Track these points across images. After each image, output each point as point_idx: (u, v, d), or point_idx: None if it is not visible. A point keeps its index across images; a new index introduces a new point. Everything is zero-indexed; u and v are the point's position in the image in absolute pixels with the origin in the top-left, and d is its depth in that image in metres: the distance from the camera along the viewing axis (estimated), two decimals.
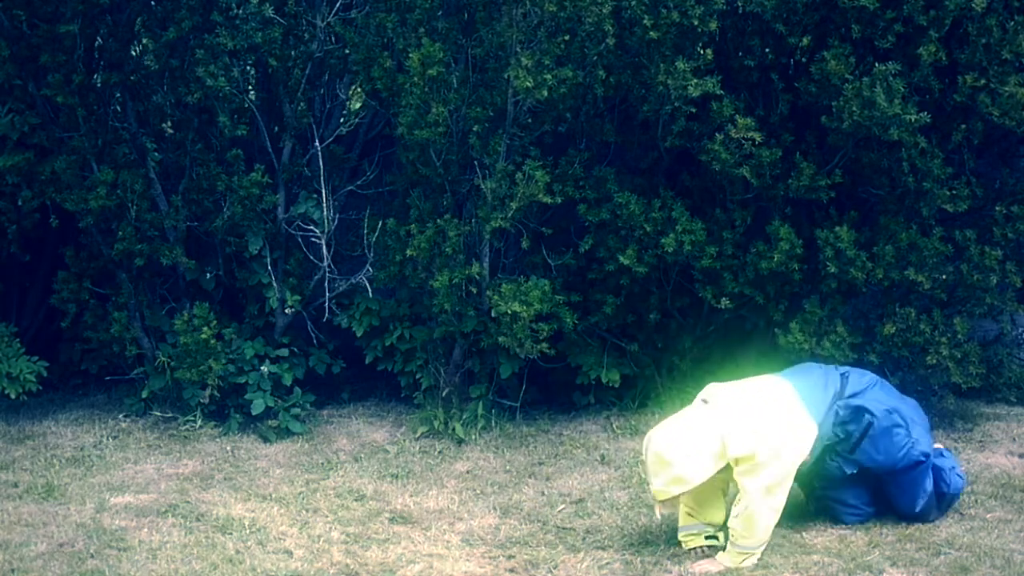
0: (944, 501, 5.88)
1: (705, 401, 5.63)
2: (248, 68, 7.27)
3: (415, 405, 7.41)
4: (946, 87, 6.62)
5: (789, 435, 5.53)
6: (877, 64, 6.38)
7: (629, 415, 7.30)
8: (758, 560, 5.57)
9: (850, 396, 5.71)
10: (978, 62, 6.49)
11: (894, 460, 5.71)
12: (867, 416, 5.67)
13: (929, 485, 5.78)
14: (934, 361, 6.77)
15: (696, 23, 6.49)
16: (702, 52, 6.68)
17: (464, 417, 7.18)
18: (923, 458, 5.71)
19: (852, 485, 5.83)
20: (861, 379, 5.81)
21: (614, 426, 7.21)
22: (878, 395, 5.75)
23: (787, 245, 6.70)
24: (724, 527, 5.68)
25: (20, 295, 7.86)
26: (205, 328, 7.07)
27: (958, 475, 5.92)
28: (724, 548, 5.61)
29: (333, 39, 7.18)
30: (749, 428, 5.46)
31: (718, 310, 7.00)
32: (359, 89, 7.49)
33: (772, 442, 5.46)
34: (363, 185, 7.40)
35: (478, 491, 6.46)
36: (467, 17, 6.83)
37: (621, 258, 6.85)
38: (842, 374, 5.80)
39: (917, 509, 5.81)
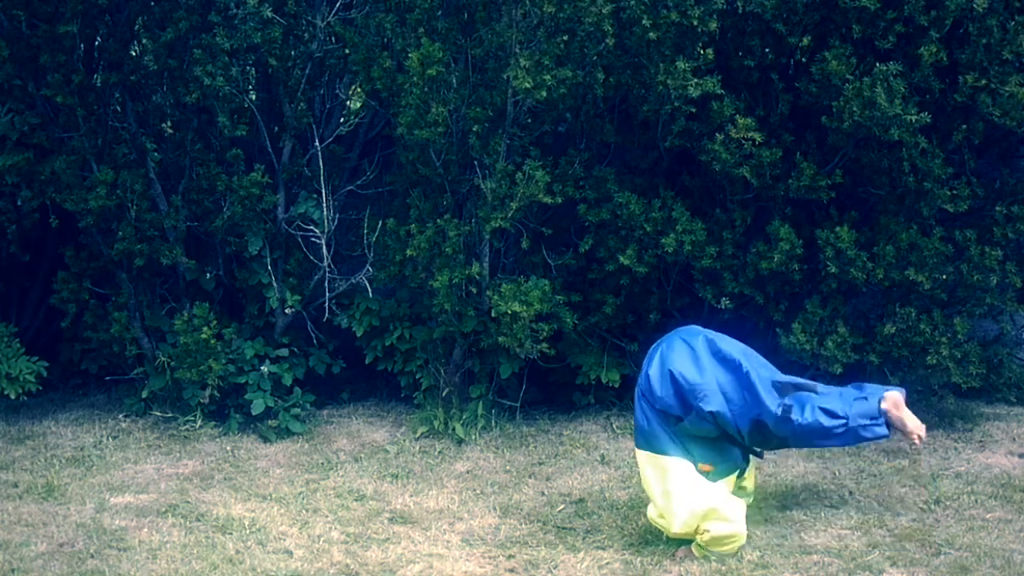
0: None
1: None
2: (248, 68, 7.26)
3: (415, 405, 7.41)
4: (947, 87, 6.61)
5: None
6: (878, 64, 6.38)
7: (629, 415, 7.29)
8: (758, 560, 5.57)
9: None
10: (979, 62, 6.49)
11: None
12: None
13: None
14: (934, 361, 6.77)
15: (696, 23, 6.48)
16: (702, 52, 6.67)
17: (464, 417, 7.17)
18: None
19: None
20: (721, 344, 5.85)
21: (614, 426, 7.21)
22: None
23: (787, 245, 6.69)
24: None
25: (20, 295, 7.85)
26: (205, 328, 7.07)
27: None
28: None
29: (333, 39, 7.18)
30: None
31: (718, 310, 7.00)
32: (359, 89, 7.49)
33: None
34: (363, 185, 7.40)
35: (478, 491, 6.46)
36: (467, 17, 6.83)
37: (621, 258, 6.85)
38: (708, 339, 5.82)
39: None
